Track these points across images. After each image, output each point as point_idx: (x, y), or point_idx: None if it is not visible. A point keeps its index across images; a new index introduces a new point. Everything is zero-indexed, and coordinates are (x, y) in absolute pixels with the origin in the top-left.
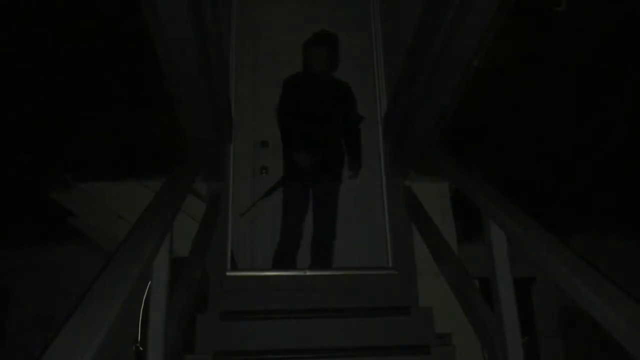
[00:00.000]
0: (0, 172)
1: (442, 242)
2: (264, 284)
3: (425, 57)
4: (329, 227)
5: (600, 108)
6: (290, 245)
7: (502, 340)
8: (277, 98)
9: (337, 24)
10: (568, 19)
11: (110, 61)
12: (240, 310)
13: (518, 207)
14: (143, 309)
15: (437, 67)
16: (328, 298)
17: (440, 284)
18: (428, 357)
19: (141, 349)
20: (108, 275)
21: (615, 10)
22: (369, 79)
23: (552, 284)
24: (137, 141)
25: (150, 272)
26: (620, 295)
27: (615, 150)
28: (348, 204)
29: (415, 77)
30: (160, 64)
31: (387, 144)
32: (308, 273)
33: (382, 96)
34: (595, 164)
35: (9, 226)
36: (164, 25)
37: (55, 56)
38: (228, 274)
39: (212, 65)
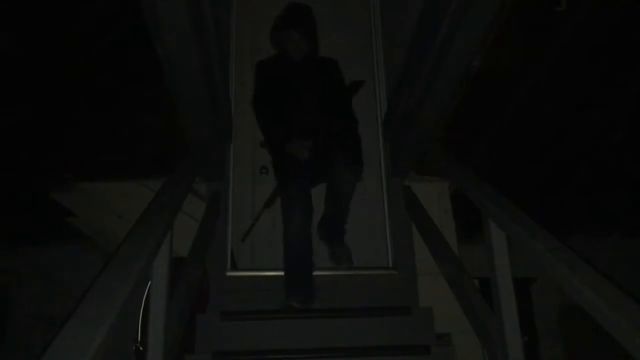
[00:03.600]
0: (0, 172)
1: (442, 242)
2: (264, 284)
3: (425, 57)
4: (342, 212)
5: (601, 107)
6: (301, 259)
7: (502, 340)
8: None
9: (337, 24)
10: (568, 19)
11: (110, 61)
12: (240, 310)
13: (518, 207)
14: (143, 309)
15: (437, 67)
16: (328, 298)
17: (440, 284)
18: (428, 357)
19: (141, 349)
20: (108, 275)
21: (615, 11)
22: (369, 79)
23: (552, 284)
24: (137, 141)
25: (150, 272)
26: (620, 295)
27: (615, 149)
28: None
29: (415, 77)
30: (160, 64)
31: (387, 144)
32: None
33: (382, 96)
34: (596, 163)
35: (9, 226)
36: (164, 25)
37: (56, 56)
38: (228, 274)
39: (212, 65)
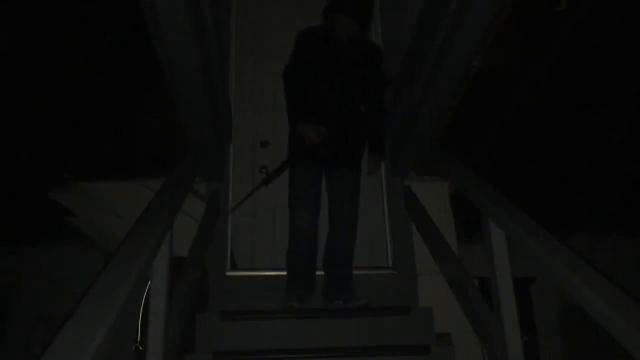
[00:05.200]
0: (0, 172)
1: (442, 242)
2: (264, 284)
3: (425, 57)
4: (349, 227)
5: (601, 107)
6: (303, 256)
7: (502, 340)
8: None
9: None
10: (568, 19)
11: (110, 61)
12: (240, 310)
13: (518, 207)
14: (143, 309)
15: (437, 67)
16: None
17: (440, 284)
18: (428, 357)
19: (141, 349)
20: (108, 275)
21: (615, 11)
22: None
23: (552, 284)
24: (137, 141)
25: (150, 272)
26: (620, 295)
27: (615, 149)
28: None
29: (415, 77)
30: (160, 64)
31: (387, 144)
32: None
33: None
34: (596, 163)
35: (9, 226)
36: (164, 25)
37: (56, 56)
38: (228, 274)
39: (212, 65)
